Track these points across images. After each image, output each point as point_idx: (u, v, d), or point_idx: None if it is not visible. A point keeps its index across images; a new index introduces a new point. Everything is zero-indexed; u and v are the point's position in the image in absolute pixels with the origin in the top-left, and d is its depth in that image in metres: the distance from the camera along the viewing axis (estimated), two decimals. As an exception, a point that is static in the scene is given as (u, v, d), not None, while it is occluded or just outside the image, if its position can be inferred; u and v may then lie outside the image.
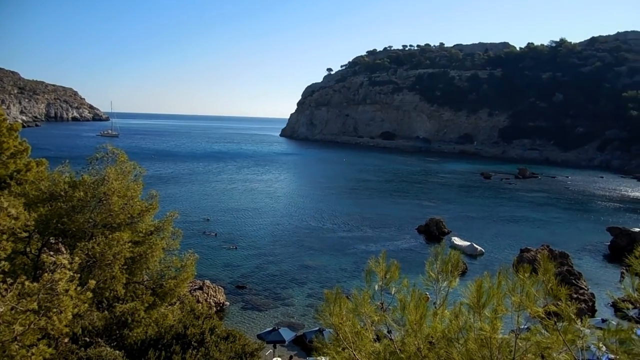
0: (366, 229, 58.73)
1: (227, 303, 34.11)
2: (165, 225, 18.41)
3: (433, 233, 55.86)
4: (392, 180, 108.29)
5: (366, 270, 6.92)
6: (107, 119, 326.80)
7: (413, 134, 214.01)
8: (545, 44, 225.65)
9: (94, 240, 14.39)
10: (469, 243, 50.53)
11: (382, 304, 7.44)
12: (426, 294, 7.19)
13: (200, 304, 28.27)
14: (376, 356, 6.77)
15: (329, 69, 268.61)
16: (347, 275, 40.61)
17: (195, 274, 19.70)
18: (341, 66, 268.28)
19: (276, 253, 47.13)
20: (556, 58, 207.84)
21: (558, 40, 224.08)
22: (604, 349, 5.19)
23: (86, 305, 10.13)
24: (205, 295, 32.74)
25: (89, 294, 10.97)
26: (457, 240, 52.06)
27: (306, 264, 44.03)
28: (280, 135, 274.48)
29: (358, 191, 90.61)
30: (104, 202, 16.20)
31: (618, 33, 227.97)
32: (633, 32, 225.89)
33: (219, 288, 34.61)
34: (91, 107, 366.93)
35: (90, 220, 16.12)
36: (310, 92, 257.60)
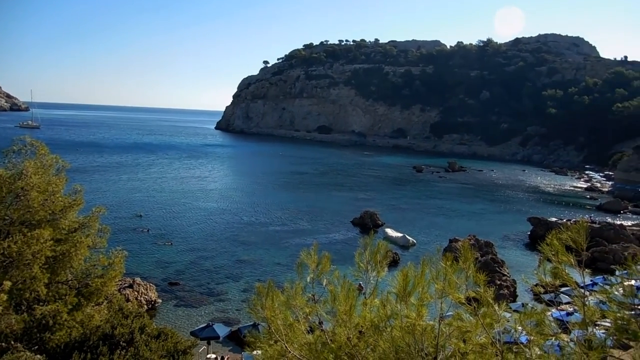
0: (302, 222, 58.99)
1: (159, 301, 33.10)
2: (91, 221, 17.49)
3: (367, 225, 57.02)
4: (327, 173, 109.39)
5: (298, 263, 6.94)
6: (26, 109, 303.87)
7: (349, 128, 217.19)
8: (474, 44, 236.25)
9: (10, 238, 13.44)
10: (401, 234, 52.08)
11: (313, 295, 7.48)
12: (360, 284, 7.30)
13: (130, 303, 27.22)
14: (308, 347, 6.81)
15: (266, 62, 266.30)
16: (282, 268, 40.61)
17: (125, 271, 18.92)
18: (278, 59, 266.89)
19: (211, 248, 46.29)
20: (483, 57, 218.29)
21: (485, 40, 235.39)
22: (521, 330, 5.51)
23: (0, 307, 9.45)
24: (136, 293, 31.59)
25: (4, 296, 10.25)
26: (391, 232, 53.47)
27: (241, 258, 43.59)
28: (216, 128, 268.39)
29: (294, 185, 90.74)
30: (22, 197, 15.16)
31: (539, 35, 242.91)
32: (552, 34, 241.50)
33: (150, 285, 33.48)
34: (8, 96, 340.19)
35: (7, 217, 15.04)
36: (247, 85, 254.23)
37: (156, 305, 32.49)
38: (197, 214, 60.28)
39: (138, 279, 33.39)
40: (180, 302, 33.65)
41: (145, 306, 30.69)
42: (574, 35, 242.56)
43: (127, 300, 28.52)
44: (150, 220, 55.05)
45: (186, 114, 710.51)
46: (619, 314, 4.90)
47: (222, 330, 25.91)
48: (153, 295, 32.82)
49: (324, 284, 7.19)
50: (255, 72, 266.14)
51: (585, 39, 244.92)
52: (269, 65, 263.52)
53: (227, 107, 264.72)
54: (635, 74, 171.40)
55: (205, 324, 26.72)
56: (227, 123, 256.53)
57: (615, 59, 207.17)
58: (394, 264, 39.12)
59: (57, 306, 14.81)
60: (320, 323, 7.34)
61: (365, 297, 6.93)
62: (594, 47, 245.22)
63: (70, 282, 17.08)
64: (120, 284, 31.01)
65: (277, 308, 7.08)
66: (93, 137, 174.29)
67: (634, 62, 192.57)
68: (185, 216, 58.93)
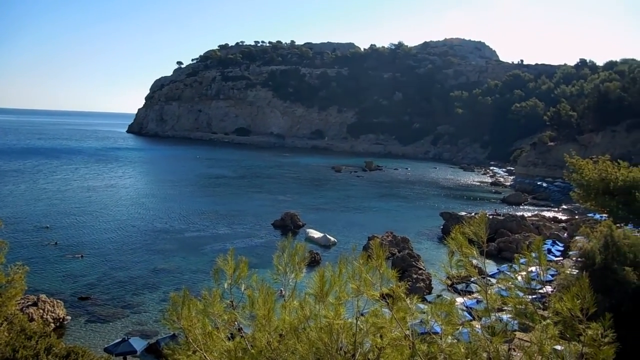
0: (221, 227, 57.89)
1: (69, 318, 30.96)
2: (-15, 236, 15.99)
3: (288, 227, 57.14)
4: (247, 176, 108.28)
5: (214, 270, 6.79)
6: None
7: (267, 129, 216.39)
8: (386, 46, 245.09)
9: None
10: (322, 234, 52.76)
11: (232, 301, 7.35)
12: (281, 290, 7.28)
13: (34, 322, 25.24)
14: (228, 355, 6.67)
15: (180, 63, 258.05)
16: (201, 275, 39.51)
17: (27, 288, 17.48)
18: (192, 60, 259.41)
19: (125, 258, 44.05)
20: (395, 60, 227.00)
21: (397, 43, 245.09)
22: (433, 321, 5.78)
23: None
24: (41, 311, 29.30)
25: None
26: (312, 232, 53.99)
27: (158, 267, 41.91)
28: (127, 131, 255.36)
29: (212, 188, 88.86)
30: None
31: (445, 39, 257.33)
32: (457, 39, 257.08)
33: (57, 302, 31.17)
34: None
35: None
36: (160, 86, 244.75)
37: (65, 322, 30.37)
38: (109, 223, 57.12)
39: (43, 296, 30.99)
40: (92, 317, 31.69)
41: (52, 324, 28.57)
42: (477, 40, 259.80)
43: (31, 319, 26.41)
44: (57, 232, 51.33)
45: (95, 117, 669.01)
46: (517, 300, 5.30)
47: (138, 344, 24.80)
48: (61, 312, 30.62)
49: (243, 289, 7.10)
50: (169, 73, 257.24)
51: (487, 44, 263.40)
52: (183, 66, 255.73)
53: (139, 110, 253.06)
54: (530, 76, 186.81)
55: (121, 339, 25.44)
56: (140, 126, 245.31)
57: (513, 62, 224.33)
58: (315, 264, 39.59)
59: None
60: (240, 329, 7.24)
61: (284, 300, 6.93)
62: (495, 51, 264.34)
63: (-38, 304, 15.52)
64: (23, 303, 28.64)
65: (194, 317, 6.87)
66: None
67: (529, 65, 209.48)
68: (96, 226, 55.62)
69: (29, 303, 29.44)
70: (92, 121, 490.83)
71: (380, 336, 5.39)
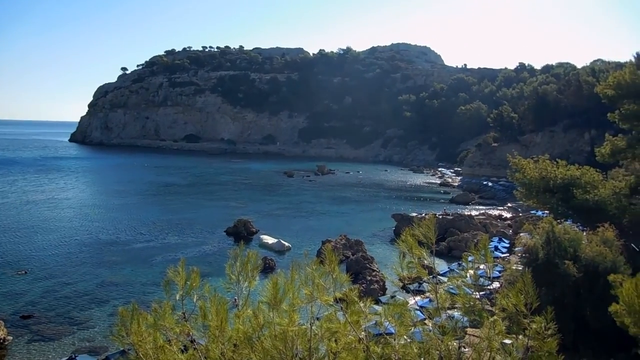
0: (172, 237, 56.53)
1: (10, 338, 29.24)
2: None
3: (242, 234, 56.47)
4: (197, 183, 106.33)
5: (165, 281, 6.60)
6: None
7: (218, 135, 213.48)
8: (335, 51, 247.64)
9: None
10: (276, 240, 52.52)
11: (184, 313, 7.16)
12: (234, 298, 7.17)
13: (-29, 345, 23.76)
14: (181, 368, 6.49)
15: (124, 69, 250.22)
16: (152, 288, 38.34)
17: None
18: (137, 65, 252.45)
19: (70, 272, 42.17)
20: (344, 64, 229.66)
21: (345, 48, 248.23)
22: (387, 323, 5.85)
23: None
24: (-21, 332, 27.56)
25: None
26: (266, 238, 53.64)
27: (106, 281, 40.39)
28: (70, 140, 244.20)
29: (161, 197, 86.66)
30: None
31: (392, 44, 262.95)
32: (404, 44, 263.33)
33: (-4, 322, 29.44)
34: None
35: None
36: (104, 93, 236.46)
37: (6, 343, 28.68)
38: (52, 237, 54.52)
39: (-20, 317, 29.18)
40: (36, 336, 30.13)
41: (-9, 346, 26.92)
42: (422, 44, 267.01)
43: (-33, 342, 24.80)
44: (-5, 248, 48.51)
45: (33, 126, 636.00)
46: (466, 297, 5.45)
47: (87, 362, 23.76)
48: (1, 332, 28.90)
49: (195, 299, 6.95)
50: (113, 79, 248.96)
51: (432, 48, 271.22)
52: (128, 72, 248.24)
53: (82, 118, 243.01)
54: (474, 79, 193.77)
55: (68, 357, 24.32)
56: (84, 135, 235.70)
57: (457, 66, 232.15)
58: (270, 270, 39.31)
59: None
60: (193, 341, 7.08)
61: (238, 309, 6.83)
62: (439, 56, 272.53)
63: None
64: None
65: (144, 331, 6.66)
66: None
67: (472, 69, 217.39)
68: (38, 240, 52.95)
69: (-36, 325, 27.63)
70: (30, 130, 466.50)
71: (335, 341, 5.40)
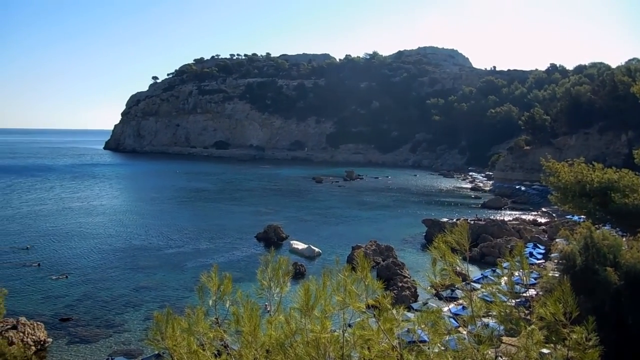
0: (203, 242, 57.28)
1: (50, 340, 30.18)
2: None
3: (272, 239, 56.82)
4: (227, 189, 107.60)
5: (198, 287, 6.69)
6: None
7: (246, 142, 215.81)
8: (361, 56, 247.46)
9: None
10: (306, 245, 52.60)
11: (217, 318, 7.24)
12: (266, 304, 7.22)
13: (14, 346, 24.60)
14: (214, 373, 6.56)
15: (155, 77, 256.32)
16: (185, 292, 38.98)
17: (5, 312, 17.03)
18: (168, 74, 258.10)
19: (106, 277, 43.25)
20: (371, 69, 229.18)
21: (371, 53, 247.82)
22: (420, 331, 5.78)
23: None
24: (21, 334, 28.54)
25: None
26: (296, 244, 53.80)
27: (142, 285, 41.24)
28: (104, 148, 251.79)
29: (192, 203, 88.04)
30: None
31: (419, 48, 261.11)
32: (430, 47, 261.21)
33: (38, 324, 30.40)
34: None
35: None
36: (136, 102, 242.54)
37: (46, 345, 29.63)
38: (89, 242, 56.10)
39: (23, 319, 30.20)
40: (75, 338, 31.00)
41: (32, 348, 27.89)
42: (450, 47, 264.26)
43: (11, 343, 25.73)
44: (39, 253, 50.35)
45: (70, 134, 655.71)
46: (501, 305, 5.33)
47: (122, 365, 24.25)
48: (42, 334, 29.87)
49: (227, 305, 7.01)
50: (145, 88, 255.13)
51: (459, 51, 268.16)
52: (158, 80, 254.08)
53: (115, 126, 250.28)
54: (504, 81, 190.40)
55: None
56: (117, 142, 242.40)
57: (485, 68, 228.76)
58: (300, 276, 39.43)
59: None
60: (226, 346, 7.14)
61: (270, 315, 6.86)
62: (467, 58, 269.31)
63: None
64: (1, 326, 27.93)
65: (179, 336, 6.76)
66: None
67: (501, 72, 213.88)
68: (77, 245, 54.58)
69: (8, 326, 28.71)
70: (67, 139, 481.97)
71: (368, 348, 5.36)
